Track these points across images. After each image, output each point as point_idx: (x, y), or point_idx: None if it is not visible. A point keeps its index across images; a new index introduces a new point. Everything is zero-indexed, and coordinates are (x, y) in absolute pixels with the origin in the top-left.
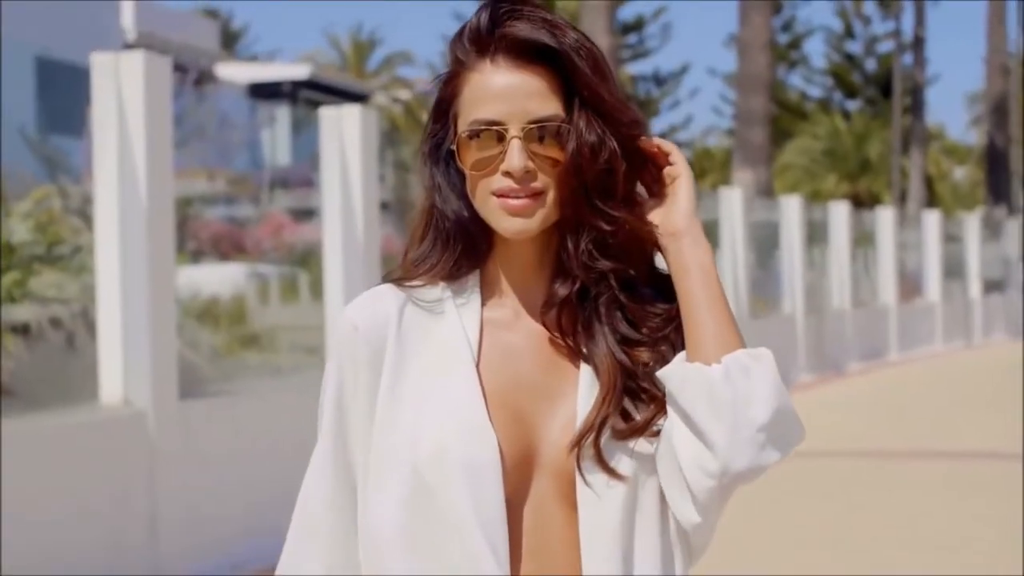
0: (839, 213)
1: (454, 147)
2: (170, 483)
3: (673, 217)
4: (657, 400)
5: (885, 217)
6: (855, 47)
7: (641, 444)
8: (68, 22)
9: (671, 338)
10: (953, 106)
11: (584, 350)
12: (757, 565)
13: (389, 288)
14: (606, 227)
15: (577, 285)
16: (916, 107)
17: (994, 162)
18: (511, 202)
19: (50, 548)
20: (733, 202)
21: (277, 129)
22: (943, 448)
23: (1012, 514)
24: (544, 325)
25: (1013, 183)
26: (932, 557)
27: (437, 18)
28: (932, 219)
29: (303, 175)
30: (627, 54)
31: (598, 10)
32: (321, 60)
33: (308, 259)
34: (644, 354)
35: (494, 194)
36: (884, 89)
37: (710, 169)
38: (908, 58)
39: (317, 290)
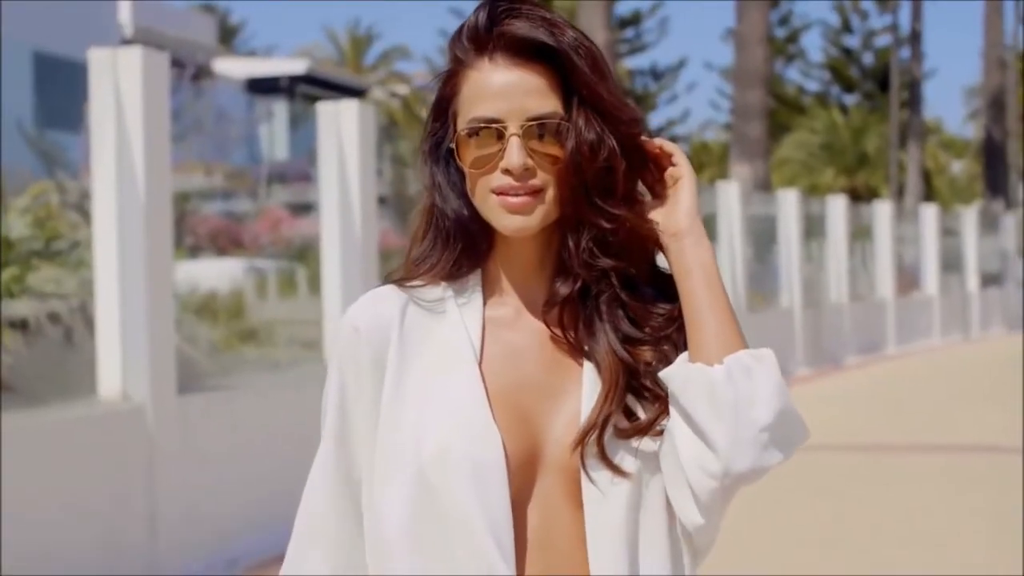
0: (836, 207)
1: (453, 145)
2: (168, 477)
3: (675, 217)
4: (661, 399)
5: (882, 211)
6: (852, 41)
7: (645, 442)
8: (65, 18)
9: (673, 338)
10: (950, 100)
11: (586, 348)
12: (754, 561)
13: (391, 289)
14: (606, 225)
15: (579, 284)
16: (913, 101)
17: (991, 156)
18: (510, 200)
19: (48, 542)
20: (730, 196)
21: (275, 124)
22: (941, 441)
23: (1010, 508)
24: (546, 323)
25: (1010, 177)
26: (931, 552)
27: (434, 13)
28: (929, 213)
29: (301, 170)
30: (624, 49)
31: (595, 5)
32: (318, 55)
33: (306, 254)
34: (647, 353)
35: (493, 192)
36: (881, 83)
37: (707, 163)
38: (905, 52)
39: (315, 285)
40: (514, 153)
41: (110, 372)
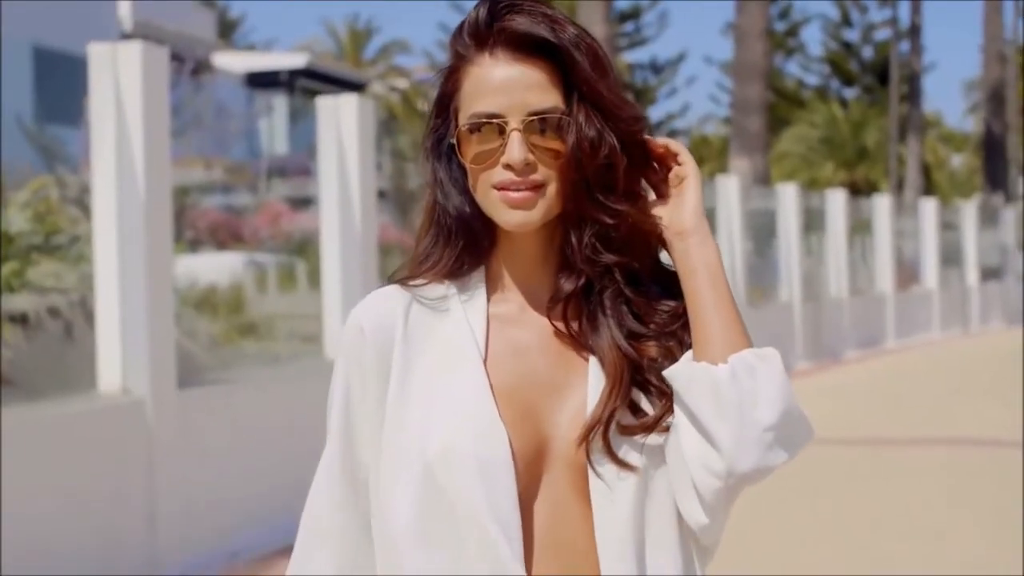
0: (836, 201)
1: (454, 141)
2: (168, 471)
3: (681, 216)
4: (667, 395)
5: (882, 205)
6: (852, 35)
7: (651, 436)
8: (65, 12)
9: (678, 334)
10: (950, 94)
11: (590, 343)
12: (753, 555)
13: (394, 289)
14: (608, 221)
15: (582, 280)
16: (913, 95)
17: (991, 150)
18: (512, 195)
19: (48, 536)
20: (730, 190)
21: (274, 118)
22: (940, 435)
23: (1010, 502)
24: (550, 319)
25: (1010, 171)
26: (930, 546)
27: (434, 7)
28: (929, 207)
29: (300, 164)
30: (624, 42)
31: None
32: (318, 49)
33: (305, 248)
34: (651, 349)
35: (495, 187)
36: (881, 77)
37: (707, 157)
38: (905, 46)
39: (315, 279)
40: (515, 148)
41: (110, 366)
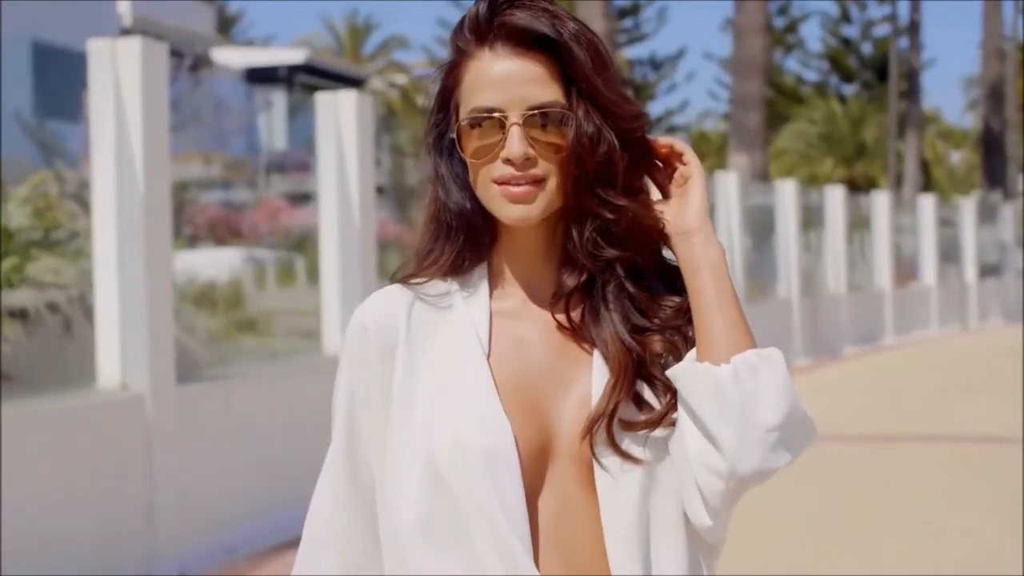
0: (835, 197)
1: (454, 136)
2: (167, 466)
3: (685, 215)
4: (671, 390)
5: (881, 201)
6: (851, 31)
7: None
8: (64, 7)
9: (683, 330)
10: (949, 90)
11: (594, 337)
12: (751, 552)
13: (397, 288)
14: (608, 216)
15: (585, 275)
16: (912, 91)
17: (990, 146)
18: (512, 189)
19: (47, 531)
20: (729, 186)
21: (273, 114)
22: (939, 432)
23: (1009, 498)
24: (553, 314)
25: (1009, 167)
26: (929, 542)
27: (433, 3)
28: (928, 203)
29: (299, 159)
30: (623, 38)
31: None
32: (317, 45)
33: (304, 243)
34: (656, 343)
35: (495, 182)
36: (880, 73)
37: (706, 154)
38: (904, 42)
39: (313, 274)
40: (515, 142)
41: (109, 362)
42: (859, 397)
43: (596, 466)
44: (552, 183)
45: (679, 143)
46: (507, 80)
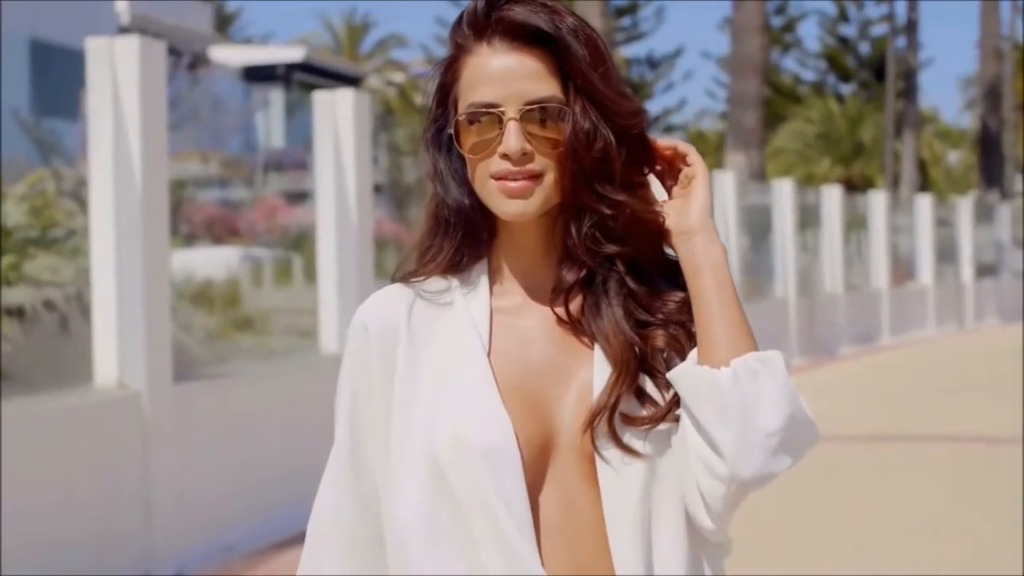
0: (832, 197)
1: (451, 131)
2: (164, 465)
3: (687, 215)
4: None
5: (878, 201)
6: (849, 30)
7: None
8: (62, 5)
9: (687, 325)
10: (947, 90)
11: (595, 332)
12: (748, 552)
13: (397, 287)
14: (607, 211)
15: (584, 270)
16: (909, 91)
17: (987, 146)
18: (509, 184)
19: (44, 530)
20: (726, 185)
21: (271, 112)
22: (936, 432)
23: (1008, 498)
24: (553, 310)
25: (1006, 167)
26: (927, 542)
27: (431, 1)
28: (925, 203)
29: (297, 158)
30: (621, 37)
31: None
32: (315, 43)
33: (302, 242)
34: (659, 338)
35: (492, 177)
36: (878, 73)
37: (703, 153)
38: (901, 42)
39: (311, 273)
40: (512, 138)
41: (106, 360)
42: (856, 397)
43: (598, 459)
44: (549, 178)
45: (682, 144)
46: (504, 75)
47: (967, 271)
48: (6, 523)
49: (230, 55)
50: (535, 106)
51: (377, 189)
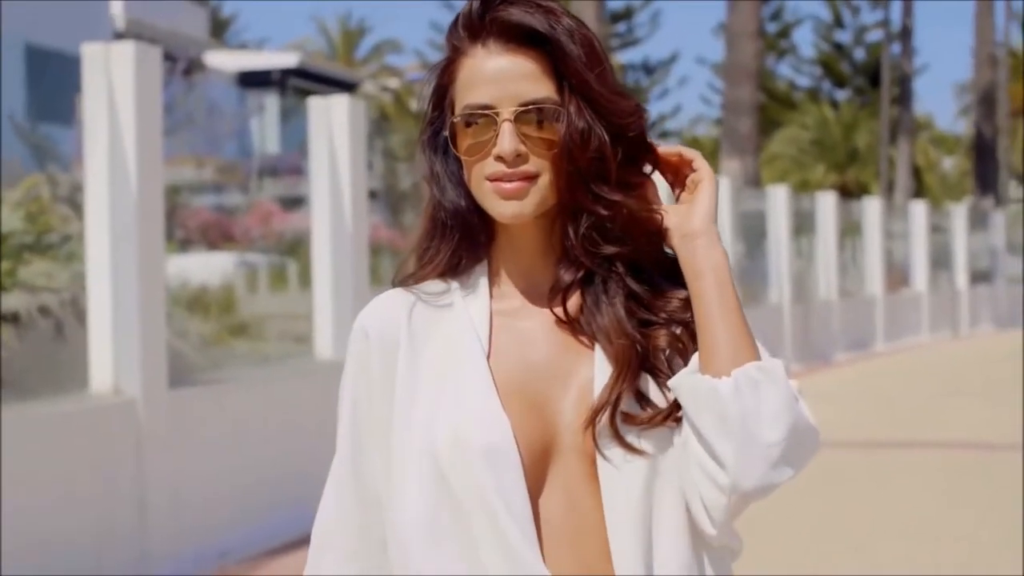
0: (826, 203)
1: (447, 134)
2: (159, 471)
3: (691, 218)
4: None
5: (872, 207)
6: (844, 37)
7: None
8: (57, 10)
9: (691, 326)
10: (941, 96)
11: (595, 332)
12: (746, 558)
13: (398, 292)
14: (603, 212)
15: (582, 270)
16: (904, 97)
17: (982, 152)
18: (504, 186)
19: (40, 535)
20: (720, 191)
21: (266, 117)
22: (931, 438)
23: (1004, 504)
24: (552, 310)
25: (1001, 174)
26: (923, 548)
27: (426, 6)
28: (919, 209)
29: (292, 163)
30: (616, 43)
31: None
32: (310, 48)
33: (297, 248)
34: (661, 338)
35: (487, 179)
36: (873, 79)
37: None
38: (896, 48)
39: (306, 279)
40: (506, 139)
41: (102, 366)
42: (851, 403)
43: (599, 458)
44: (545, 179)
45: (688, 150)
46: (499, 77)
47: (962, 277)
48: (3, 528)
49: (225, 60)
50: (529, 107)
51: (372, 195)
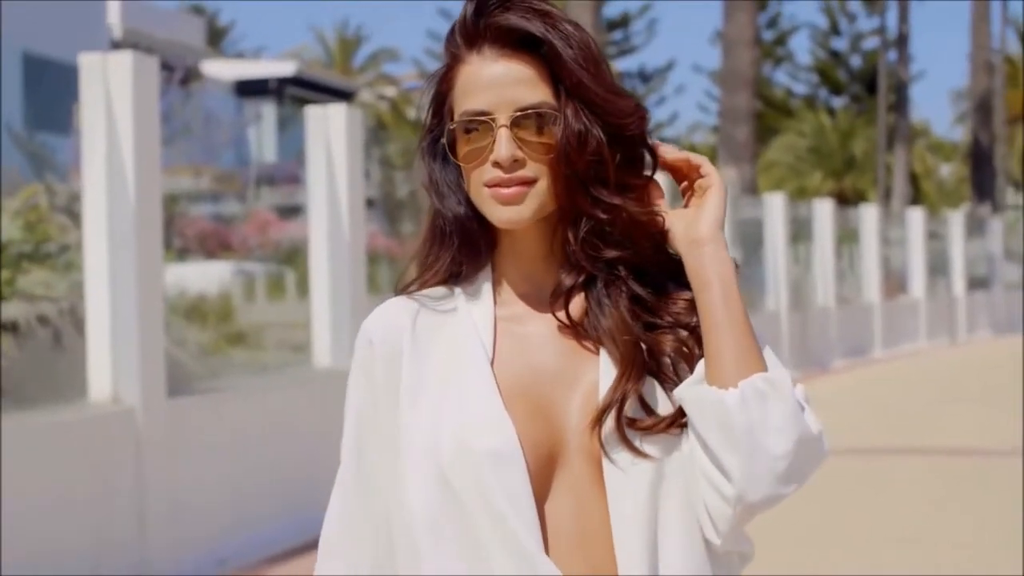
0: (823, 210)
1: (444, 141)
2: (158, 479)
3: (698, 225)
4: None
5: (869, 214)
6: (840, 44)
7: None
8: (55, 19)
9: (696, 329)
10: (938, 103)
11: (599, 335)
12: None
13: (402, 299)
14: (602, 215)
15: (583, 275)
16: (901, 104)
17: (979, 159)
18: (501, 191)
19: (39, 544)
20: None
21: (263, 126)
22: (929, 445)
23: (1004, 510)
24: (555, 315)
25: (998, 180)
26: (920, 555)
27: (423, 15)
28: (916, 216)
29: (289, 172)
30: (613, 51)
31: (583, 7)
32: (307, 57)
33: (294, 256)
34: (667, 342)
35: (486, 185)
36: (869, 86)
37: None
38: (893, 55)
39: (303, 287)
40: (502, 145)
41: (100, 375)
42: (848, 410)
43: (605, 461)
44: (543, 184)
45: (695, 156)
46: (495, 83)
47: (959, 284)
48: (3, 537)
49: (222, 69)
50: (525, 112)
51: (369, 203)
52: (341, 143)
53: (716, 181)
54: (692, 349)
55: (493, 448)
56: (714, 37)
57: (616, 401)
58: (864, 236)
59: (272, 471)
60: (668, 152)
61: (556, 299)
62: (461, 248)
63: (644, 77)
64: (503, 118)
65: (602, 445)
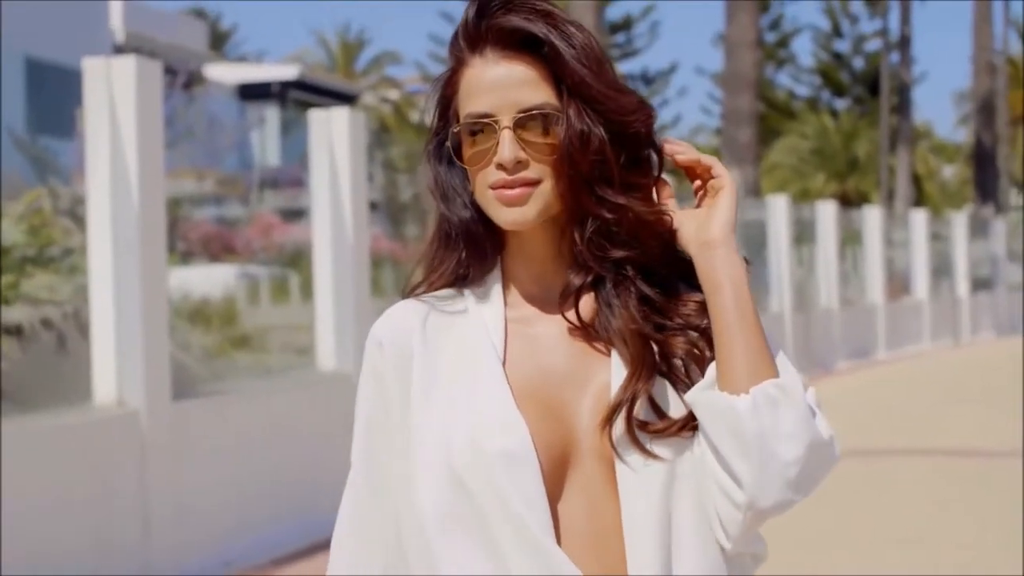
0: (827, 212)
1: (448, 144)
2: (163, 482)
3: (710, 226)
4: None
5: (873, 216)
6: (843, 46)
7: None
8: (58, 23)
9: (707, 331)
10: (941, 104)
11: (610, 335)
12: None
13: (412, 302)
14: (608, 215)
15: (591, 276)
16: (903, 106)
17: (982, 160)
18: (506, 193)
19: (43, 547)
20: None
21: (266, 130)
22: (934, 447)
23: (1006, 511)
24: (564, 315)
25: (1001, 181)
26: (924, 556)
27: (425, 18)
28: (920, 218)
29: (292, 175)
30: (615, 53)
31: (586, 9)
32: (309, 60)
33: (298, 259)
34: (678, 345)
35: (490, 187)
36: (872, 88)
37: None
38: (895, 57)
39: (307, 290)
40: (505, 147)
41: (105, 378)
42: (852, 412)
43: (617, 461)
44: (547, 185)
45: (705, 157)
46: (497, 85)
47: (962, 285)
48: (5, 541)
49: (225, 73)
50: (528, 114)
51: (373, 206)
52: (344, 146)
53: (728, 183)
54: (703, 351)
55: (506, 449)
56: (716, 39)
57: (627, 400)
58: (867, 238)
59: (276, 473)
60: (678, 153)
61: (565, 300)
62: (467, 251)
63: (647, 80)
64: (506, 120)
65: (614, 446)
